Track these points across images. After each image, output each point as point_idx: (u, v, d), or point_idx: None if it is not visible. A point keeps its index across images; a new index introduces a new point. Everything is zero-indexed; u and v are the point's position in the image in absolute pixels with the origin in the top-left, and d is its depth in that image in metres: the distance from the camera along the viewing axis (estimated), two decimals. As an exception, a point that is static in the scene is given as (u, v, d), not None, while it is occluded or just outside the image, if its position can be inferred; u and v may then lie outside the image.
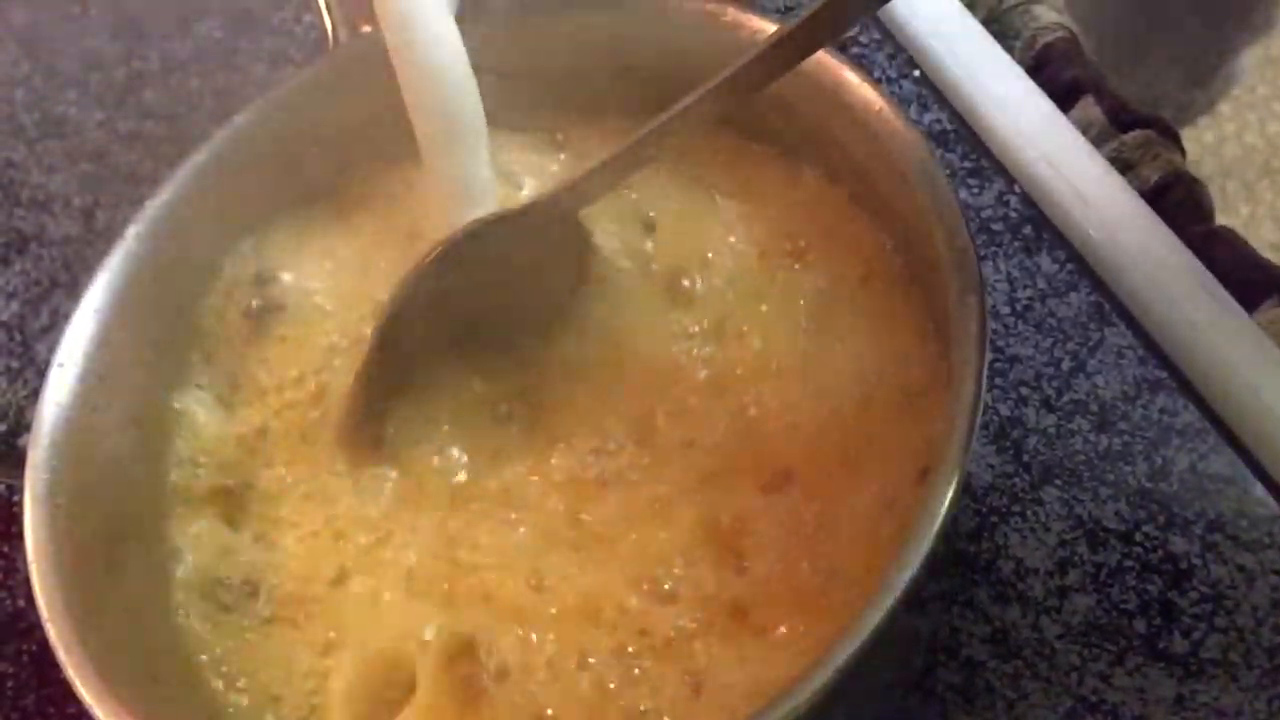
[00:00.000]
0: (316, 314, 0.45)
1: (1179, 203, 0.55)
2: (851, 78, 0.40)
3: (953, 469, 0.33)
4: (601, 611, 0.38)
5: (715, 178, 0.46)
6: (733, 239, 0.44)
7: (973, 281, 0.36)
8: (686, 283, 0.44)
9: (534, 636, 0.39)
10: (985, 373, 0.34)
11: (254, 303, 0.45)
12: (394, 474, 0.42)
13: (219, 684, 0.41)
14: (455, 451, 0.43)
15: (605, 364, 0.43)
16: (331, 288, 0.46)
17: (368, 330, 0.43)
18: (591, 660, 0.38)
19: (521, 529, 0.41)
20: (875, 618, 0.31)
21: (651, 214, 0.45)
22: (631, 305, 0.44)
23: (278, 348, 0.45)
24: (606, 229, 0.44)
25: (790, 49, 0.36)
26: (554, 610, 0.39)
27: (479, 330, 0.43)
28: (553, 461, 0.42)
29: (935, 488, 0.33)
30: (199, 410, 0.44)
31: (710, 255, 0.44)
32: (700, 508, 0.40)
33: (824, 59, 0.40)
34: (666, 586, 0.39)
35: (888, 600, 0.31)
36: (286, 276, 0.46)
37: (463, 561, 0.41)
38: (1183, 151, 0.62)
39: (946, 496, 0.32)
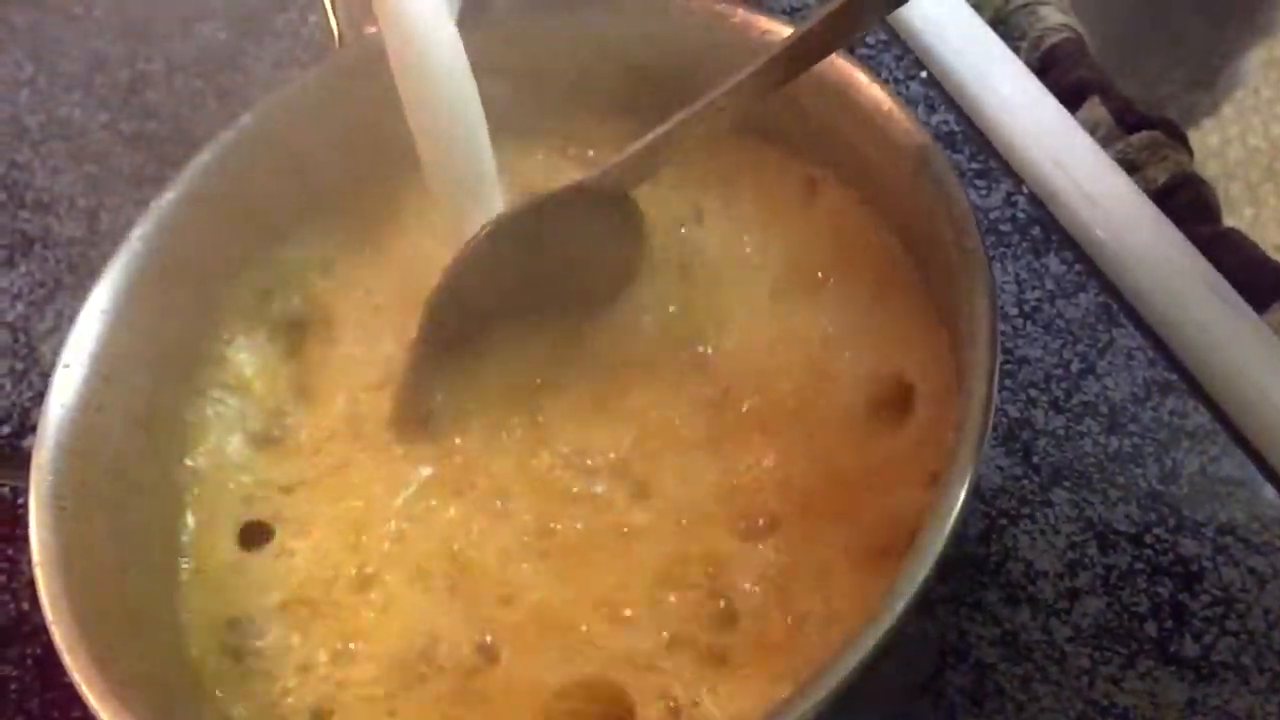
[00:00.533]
0: (334, 320, 0.45)
1: (1187, 204, 0.55)
2: (861, 78, 0.40)
3: (965, 470, 0.33)
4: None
5: (728, 190, 0.46)
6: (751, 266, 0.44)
7: (983, 282, 0.35)
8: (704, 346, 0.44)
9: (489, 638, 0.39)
10: (997, 374, 0.34)
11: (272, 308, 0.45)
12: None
13: (225, 689, 0.41)
14: (458, 439, 0.43)
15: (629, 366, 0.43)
16: (349, 291, 0.46)
17: (389, 340, 0.43)
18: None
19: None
20: (889, 620, 0.31)
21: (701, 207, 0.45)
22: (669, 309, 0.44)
23: (296, 357, 0.45)
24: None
25: (817, 44, 0.36)
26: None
27: (524, 308, 0.43)
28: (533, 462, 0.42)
29: (947, 488, 0.33)
30: (209, 414, 0.44)
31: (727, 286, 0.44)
32: (676, 545, 0.40)
33: (833, 59, 0.40)
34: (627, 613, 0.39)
35: (899, 603, 0.31)
36: (305, 282, 0.46)
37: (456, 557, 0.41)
38: (1190, 152, 0.62)
39: (959, 498, 0.32)
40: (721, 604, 0.38)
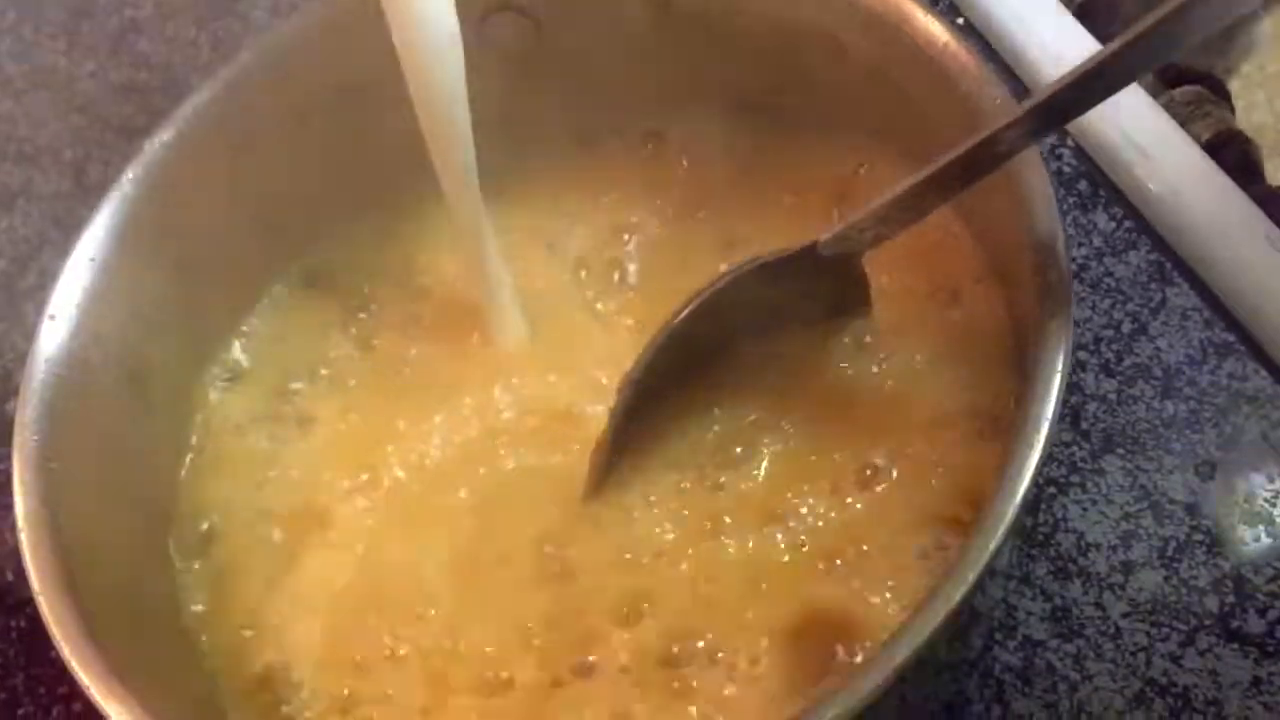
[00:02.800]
0: (343, 270, 0.43)
1: (1234, 161, 0.52)
2: (915, 11, 0.37)
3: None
4: None
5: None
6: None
7: (1054, 230, 0.33)
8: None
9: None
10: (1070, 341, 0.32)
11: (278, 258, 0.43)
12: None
13: (219, 662, 0.39)
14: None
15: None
16: (360, 242, 0.43)
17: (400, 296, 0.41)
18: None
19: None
20: (957, 593, 0.28)
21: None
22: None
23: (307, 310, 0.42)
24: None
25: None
26: None
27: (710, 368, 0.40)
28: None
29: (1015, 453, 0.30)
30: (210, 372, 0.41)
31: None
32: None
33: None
34: None
35: (970, 574, 0.29)
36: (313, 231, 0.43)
37: None
38: (1232, 109, 0.59)
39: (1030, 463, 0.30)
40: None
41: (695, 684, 0.35)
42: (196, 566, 0.40)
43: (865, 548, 0.37)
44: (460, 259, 0.44)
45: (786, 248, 0.37)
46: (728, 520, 0.38)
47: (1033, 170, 0.34)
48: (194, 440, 0.42)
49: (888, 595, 0.36)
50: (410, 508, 0.41)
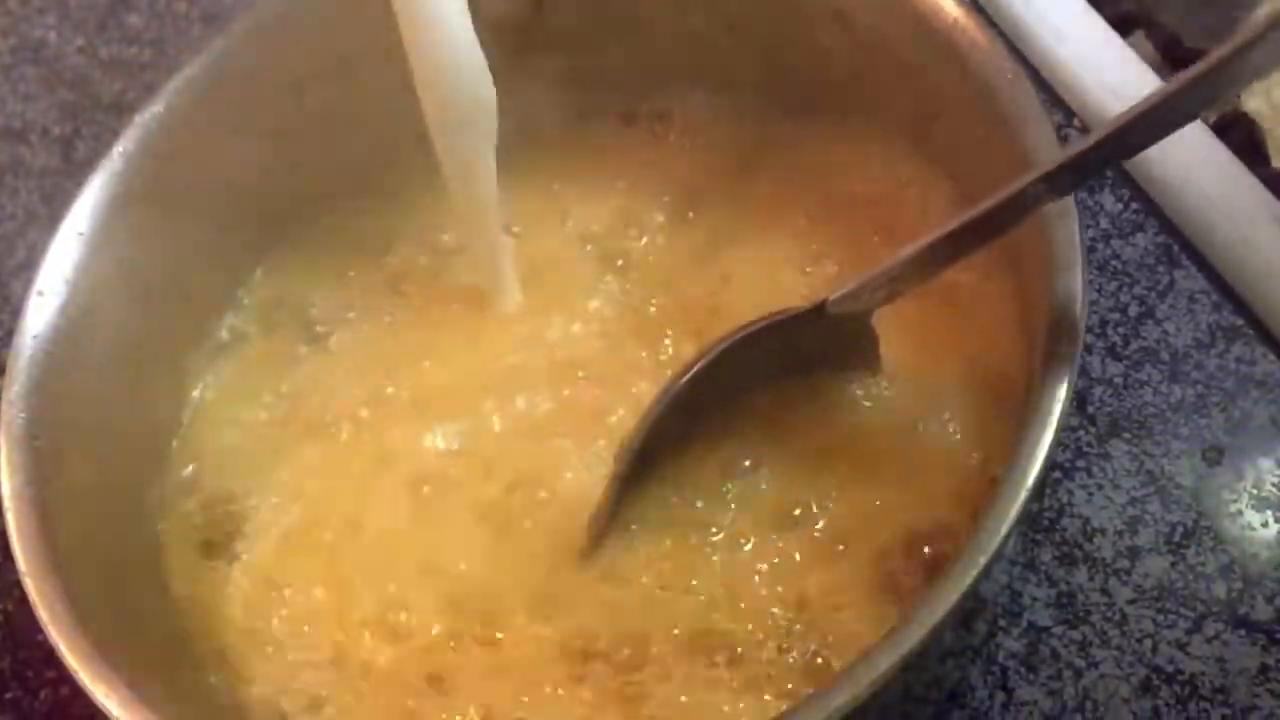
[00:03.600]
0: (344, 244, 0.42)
1: (1240, 144, 0.52)
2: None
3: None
4: None
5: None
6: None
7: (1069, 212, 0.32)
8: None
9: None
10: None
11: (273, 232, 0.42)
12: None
13: (209, 646, 0.38)
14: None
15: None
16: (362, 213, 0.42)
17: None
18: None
19: None
20: (968, 576, 0.28)
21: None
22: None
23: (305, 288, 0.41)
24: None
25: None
26: None
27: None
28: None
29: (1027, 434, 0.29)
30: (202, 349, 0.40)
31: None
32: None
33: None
34: None
35: (980, 559, 0.28)
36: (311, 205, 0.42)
37: None
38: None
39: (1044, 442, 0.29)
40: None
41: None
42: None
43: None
44: (463, 224, 0.43)
45: (794, 307, 0.36)
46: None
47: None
48: (185, 416, 0.41)
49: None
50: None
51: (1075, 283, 0.31)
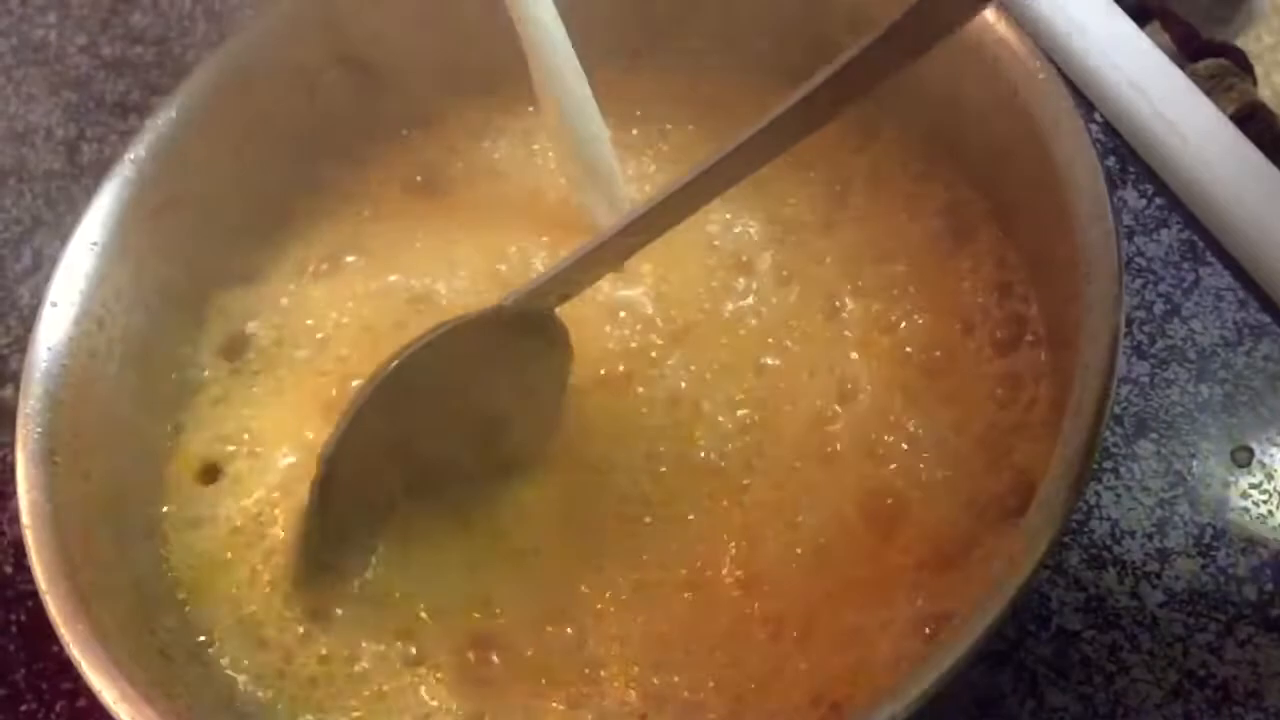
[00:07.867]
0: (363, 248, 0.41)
1: (1259, 136, 0.51)
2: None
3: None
4: None
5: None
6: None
7: (1102, 197, 0.32)
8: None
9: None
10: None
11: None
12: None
13: (227, 659, 0.37)
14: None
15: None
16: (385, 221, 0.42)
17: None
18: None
19: None
20: (1017, 581, 0.27)
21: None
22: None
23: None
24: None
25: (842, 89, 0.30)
26: None
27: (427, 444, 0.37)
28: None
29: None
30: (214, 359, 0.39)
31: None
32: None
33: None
34: None
35: (1029, 564, 0.28)
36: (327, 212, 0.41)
37: None
38: (1255, 81, 0.58)
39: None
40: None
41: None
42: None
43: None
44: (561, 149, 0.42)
45: (471, 312, 0.36)
46: None
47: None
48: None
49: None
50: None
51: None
